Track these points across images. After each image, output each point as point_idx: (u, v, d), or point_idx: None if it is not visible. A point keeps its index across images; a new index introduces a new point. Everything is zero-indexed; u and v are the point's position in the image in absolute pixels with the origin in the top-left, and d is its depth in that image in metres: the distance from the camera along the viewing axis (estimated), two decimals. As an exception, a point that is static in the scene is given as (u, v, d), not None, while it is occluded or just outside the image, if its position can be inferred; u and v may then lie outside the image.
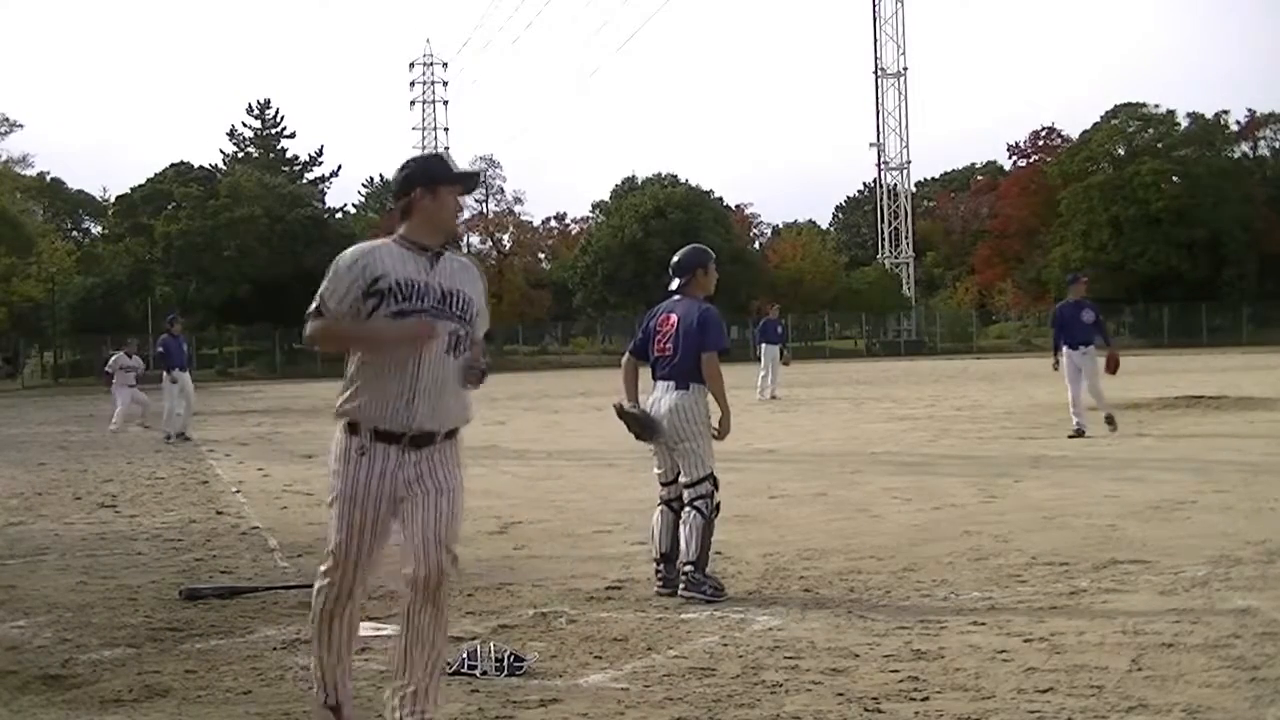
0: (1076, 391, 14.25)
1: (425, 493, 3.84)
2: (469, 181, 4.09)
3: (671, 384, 6.38)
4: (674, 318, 6.47)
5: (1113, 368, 14.18)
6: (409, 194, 3.94)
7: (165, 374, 18.76)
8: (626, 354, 6.70)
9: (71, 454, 16.72)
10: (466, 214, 76.69)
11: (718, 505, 6.39)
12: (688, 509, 6.28)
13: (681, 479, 6.36)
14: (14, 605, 6.40)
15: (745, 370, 27.11)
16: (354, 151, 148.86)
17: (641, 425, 6.38)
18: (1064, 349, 14.39)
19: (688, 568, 6.19)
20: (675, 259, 6.69)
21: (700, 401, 6.39)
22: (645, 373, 6.60)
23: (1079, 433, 13.96)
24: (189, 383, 18.83)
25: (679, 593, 6.17)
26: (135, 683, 4.83)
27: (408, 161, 4.02)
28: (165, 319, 20.37)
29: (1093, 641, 5.04)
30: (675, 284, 6.62)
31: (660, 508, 6.45)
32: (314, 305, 3.88)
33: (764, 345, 24.68)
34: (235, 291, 58.93)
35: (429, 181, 3.94)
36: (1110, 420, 13.99)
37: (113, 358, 21.99)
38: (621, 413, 6.43)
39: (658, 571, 6.38)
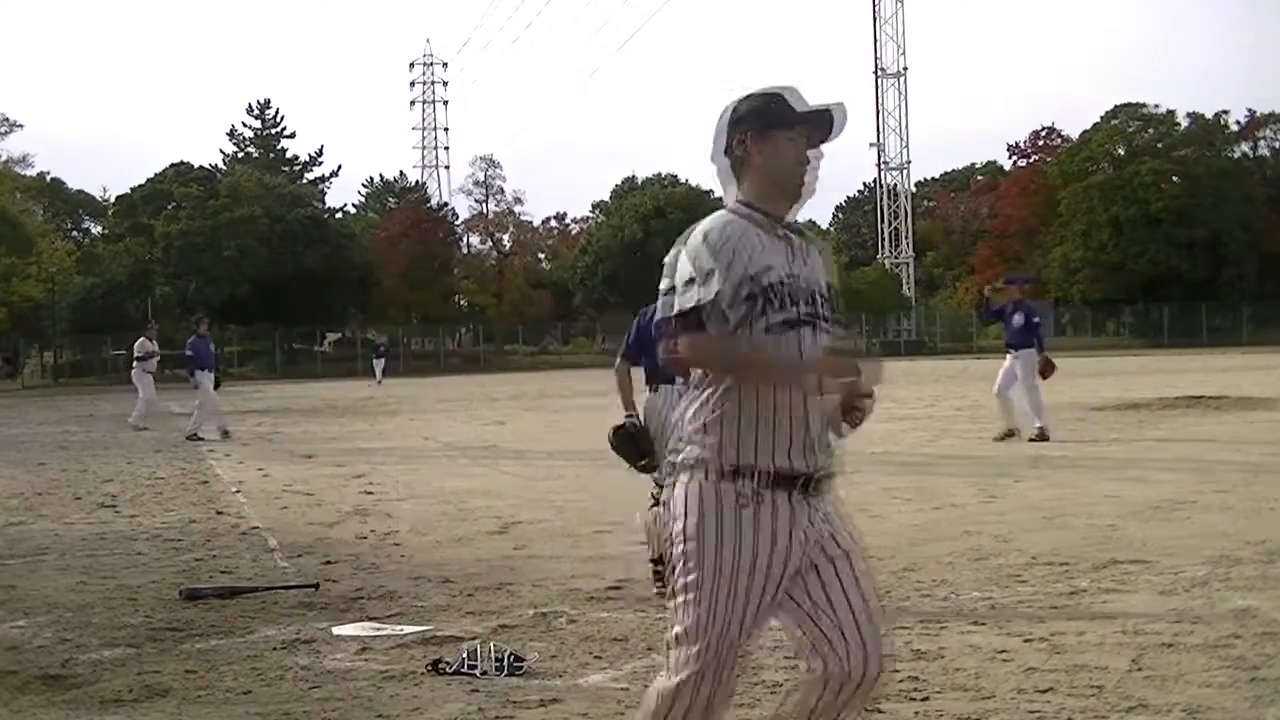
0: (1034, 395, 14.11)
1: (836, 556, 2.87)
2: (819, 124, 2.92)
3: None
4: None
5: (1045, 372, 14.06)
6: (738, 143, 2.92)
7: (189, 376, 19.00)
8: (619, 359, 6.57)
9: (71, 454, 16.71)
10: (465, 214, 76.76)
11: None
12: None
13: None
14: (14, 605, 6.40)
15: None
16: (354, 151, 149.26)
17: (642, 450, 6.23)
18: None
19: None
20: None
21: None
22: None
23: (1040, 435, 13.69)
24: (209, 384, 18.99)
25: None
26: (135, 683, 4.83)
27: (735, 102, 2.98)
28: (191, 320, 20.42)
29: (1093, 641, 5.03)
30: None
31: (657, 509, 6.41)
32: (685, 305, 2.79)
33: None
34: (235, 291, 58.98)
35: (761, 126, 2.90)
36: (1007, 434, 13.71)
37: (137, 342, 22.03)
38: (621, 437, 6.27)
39: (657, 573, 6.35)
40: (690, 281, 2.79)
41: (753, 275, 2.78)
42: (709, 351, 2.82)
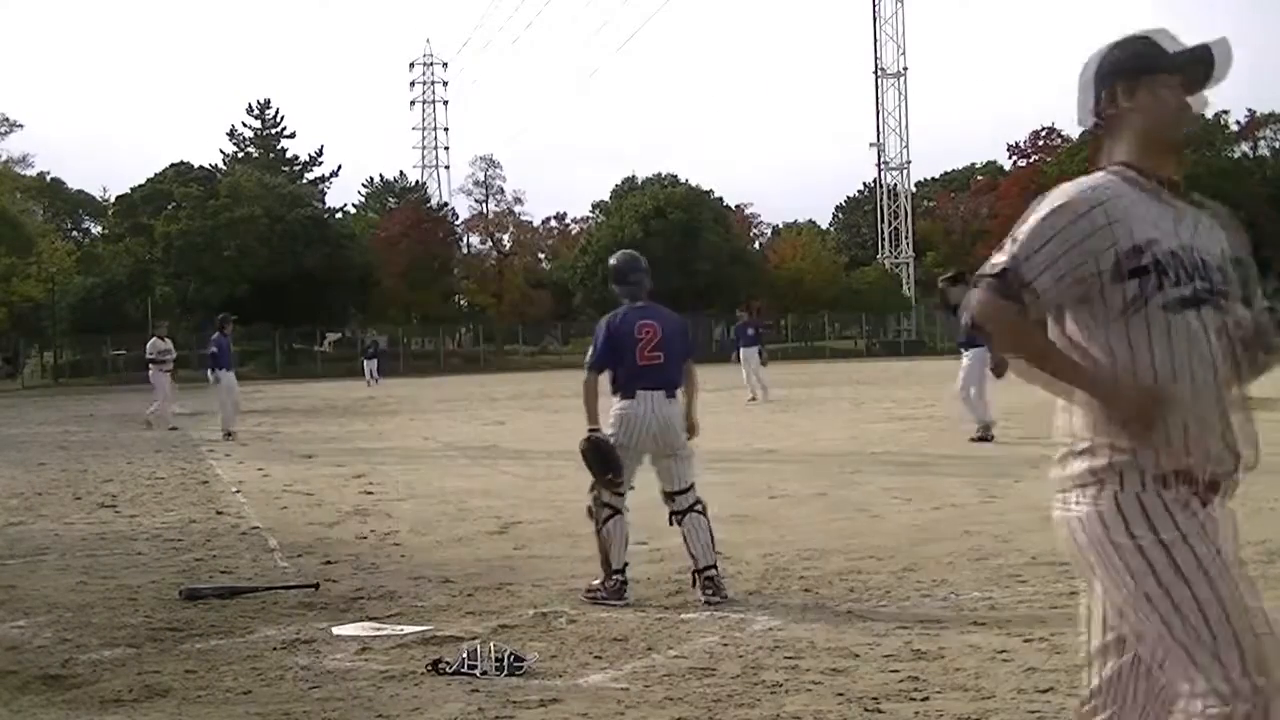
0: (981, 394, 13.89)
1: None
2: (1196, 67, 2.59)
3: (662, 394, 6.29)
4: (657, 326, 6.39)
5: (998, 370, 13.90)
6: (1109, 101, 2.58)
7: (210, 373, 19.31)
8: (589, 371, 6.38)
9: (71, 454, 16.71)
10: (465, 214, 76.75)
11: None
12: (691, 515, 6.18)
13: (670, 487, 6.27)
14: (14, 605, 6.40)
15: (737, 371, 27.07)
16: (354, 151, 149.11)
17: (609, 462, 6.17)
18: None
19: (712, 571, 6.10)
20: (632, 264, 6.72)
21: (682, 409, 6.42)
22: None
23: (982, 437, 13.55)
24: (230, 382, 19.17)
25: (709, 599, 6.00)
26: (135, 683, 4.83)
27: (1099, 55, 2.62)
28: (218, 319, 20.53)
29: (1093, 641, 5.03)
30: (634, 290, 6.58)
31: (618, 517, 6.25)
32: (998, 269, 2.46)
33: (741, 350, 24.79)
34: (235, 291, 58.88)
35: (1133, 76, 2.57)
36: (983, 436, 13.61)
37: (149, 343, 22.04)
38: (591, 448, 6.19)
39: (623, 583, 6.20)
40: (1016, 243, 2.46)
41: (1139, 245, 2.42)
42: (1010, 329, 2.48)
